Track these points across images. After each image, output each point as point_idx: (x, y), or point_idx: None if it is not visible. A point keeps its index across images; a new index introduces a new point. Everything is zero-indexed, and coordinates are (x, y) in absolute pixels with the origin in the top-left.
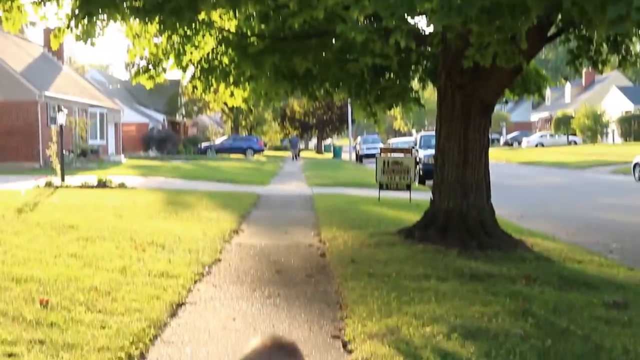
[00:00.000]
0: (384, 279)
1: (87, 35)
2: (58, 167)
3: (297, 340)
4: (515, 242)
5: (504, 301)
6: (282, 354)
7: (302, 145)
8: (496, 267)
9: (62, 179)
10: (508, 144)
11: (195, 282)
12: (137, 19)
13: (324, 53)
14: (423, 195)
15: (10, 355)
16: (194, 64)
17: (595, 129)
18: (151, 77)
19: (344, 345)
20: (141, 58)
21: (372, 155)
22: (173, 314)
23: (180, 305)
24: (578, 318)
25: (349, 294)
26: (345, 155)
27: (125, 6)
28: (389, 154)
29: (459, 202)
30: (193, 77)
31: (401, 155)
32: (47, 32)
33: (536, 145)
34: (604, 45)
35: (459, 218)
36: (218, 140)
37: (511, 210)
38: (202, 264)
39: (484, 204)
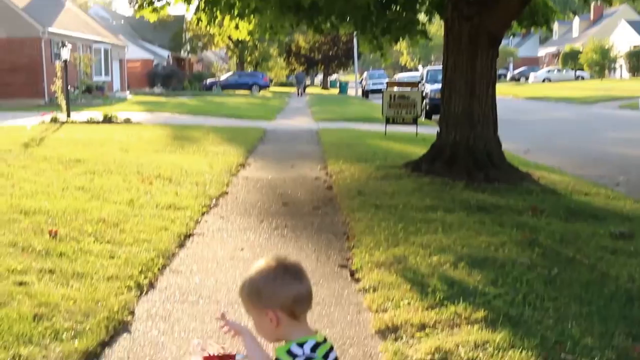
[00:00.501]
0: (391, 210)
1: None
2: (63, 103)
3: (305, 269)
4: (522, 174)
5: (511, 232)
6: (286, 274)
7: (307, 82)
8: (503, 199)
9: (68, 115)
10: (515, 79)
11: (203, 214)
12: None
13: None
14: (429, 130)
15: (20, 283)
16: None
17: (603, 64)
18: (155, 10)
19: (352, 274)
20: None
21: (379, 91)
22: (181, 245)
23: (188, 236)
24: (584, 248)
25: (355, 225)
26: (351, 91)
27: None
28: (395, 87)
29: (466, 134)
30: (197, 9)
31: (408, 89)
32: None
33: (543, 81)
34: None
35: (466, 150)
36: (223, 77)
37: (518, 145)
38: (209, 196)
39: (491, 136)
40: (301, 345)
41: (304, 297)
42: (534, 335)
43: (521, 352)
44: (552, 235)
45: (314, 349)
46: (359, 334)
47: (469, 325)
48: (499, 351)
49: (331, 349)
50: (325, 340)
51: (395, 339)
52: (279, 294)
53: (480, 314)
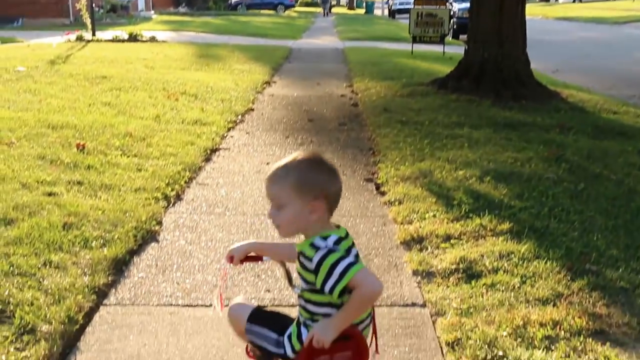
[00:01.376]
0: (417, 126)
1: None
2: (88, 22)
3: None
4: (550, 93)
5: (538, 148)
6: (331, 168)
7: (333, 1)
8: (530, 116)
9: (93, 33)
10: None
11: (229, 129)
12: None
13: None
14: (457, 49)
15: (50, 194)
16: None
17: None
18: None
19: (377, 187)
20: None
21: (406, 11)
22: (207, 159)
23: (214, 150)
24: (612, 164)
25: (381, 141)
26: (377, 11)
27: None
28: (423, 5)
29: (494, 51)
30: None
31: (435, 6)
32: None
33: (574, 1)
34: None
35: (494, 68)
36: None
37: (546, 64)
38: (235, 112)
39: (520, 54)
40: (325, 238)
41: (340, 192)
42: (559, 246)
43: (546, 262)
44: (579, 151)
45: (337, 242)
46: (384, 245)
47: (494, 237)
48: (523, 261)
49: (352, 244)
50: (347, 235)
51: (420, 250)
52: (326, 184)
53: (506, 226)
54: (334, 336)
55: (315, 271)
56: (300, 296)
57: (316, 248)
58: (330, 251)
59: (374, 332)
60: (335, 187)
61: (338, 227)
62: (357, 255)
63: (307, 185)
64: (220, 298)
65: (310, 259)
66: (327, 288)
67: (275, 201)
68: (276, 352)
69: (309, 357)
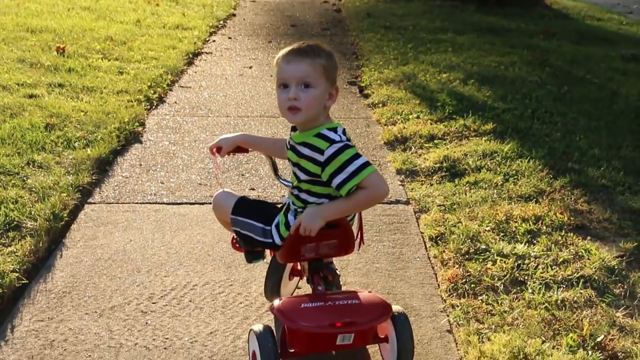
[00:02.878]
0: (401, 31)
1: None
2: None
3: None
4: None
5: (521, 52)
6: (330, 52)
7: None
8: (514, 22)
9: None
10: None
11: (210, 34)
12: None
13: None
14: None
15: (31, 96)
16: None
17: None
18: None
19: (361, 90)
20: None
21: None
22: (189, 63)
23: (196, 54)
24: (595, 68)
25: (365, 45)
26: None
27: None
28: None
29: None
30: None
31: None
32: None
33: None
34: None
35: None
36: None
37: None
38: (217, 17)
39: None
40: (333, 130)
41: None
42: (542, 146)
43: (529, 161)
44: (562, 56)
45: (344, 133)
46: (368, 145)
47: (478, 137)
48: (506, 160)
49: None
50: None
51: (404, 150)
52: (337, 76)
53: (489, 126)
54: (321, 225)
55: (325, 163)
56: (296, 187)
57: (328, 140)
58: (346, 146)
59: (360, 223)
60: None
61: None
62: None
63: (332, 70)
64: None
65: (320, 151)
66: (335, 182)
67: (303, 79)
68: (263, 241)
69: (295, 245)
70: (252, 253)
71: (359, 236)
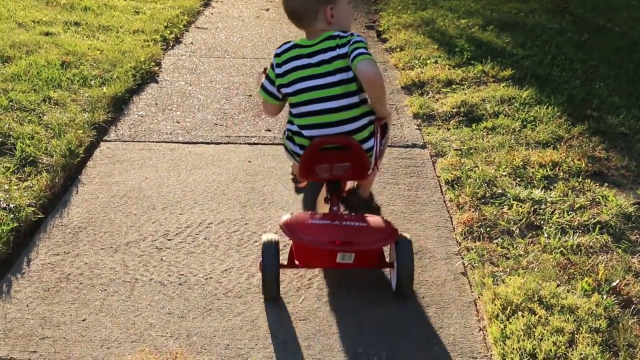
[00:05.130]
0: None
1: None
2: None
3: None
4: None
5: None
6: None
7: None
8: None
9: None
10: None
11: None
12: None
13: None
14: None
15: (47, 34)
16: None
17: None
18: None
19: (379, 34)
20: None
21: None
22: (206, 4)
23: None
24: (616, 17)
25: None
26: None
27: None
28: None
29: None
30: None
31: None
32: None
33: None
34: None
35: None
36: None
37: None
38: None
39: None
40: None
41: None
42: (561, 93)
43: (547, 107)
44: (584, 4)
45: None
46: (386, 89)
47: (496, 83)
48: (524, 106)
49: None
50: None
51: (421, 94)
52: None
53: (508, 72)
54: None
55: (349, 43)
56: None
57: (343, 34)
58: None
59: (376, 150)
60: None
61: None
62: None
63: None
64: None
65: (343, 42)
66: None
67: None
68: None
69: (309, 163)
70: (298, 189)
71: (375, 162)
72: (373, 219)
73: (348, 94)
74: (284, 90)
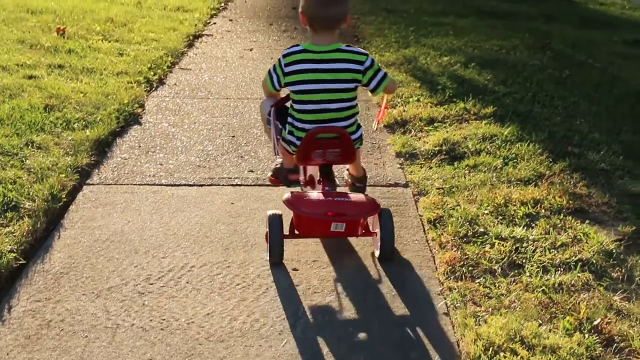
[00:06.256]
0: (402, 14)
1: None
2: None
3: None
4: None
5: (523, 36)
6: None
7: None
8: (516, 5)
9: None
10: None
11: (211, 16)
12: None
13: None
14: None
15: (30, 77)
16: None
17: None
18: None
19: None
20: None
21: None
22: (190, 45)
23: (197, 36)
24: (597, 53)
25: (366, 28)
26: None
27: None
28: None
29: None
30: None
31: None
32: None
33: None
34: None
35: None
36: None
37: None
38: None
39: None
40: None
41: None
42: (542, 130)
43: (528, 144)
44: (564, 40)
45: None
46: (368, 128)
47: (478, 120)
48: (506, 144)
49: None
50: None
51: (404, 132)
52: None
53: (489, 110)
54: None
55: (368, 68)
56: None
57: (358, 50)
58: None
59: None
60: None
61: None
62: None
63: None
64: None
65: (361, 59)
66: (372, 84)
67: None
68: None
69: (307, 150)
70: (287, 181)
71: (381, 113)
72: (358, 196)
73: (346, 99)
74: (289, 88)
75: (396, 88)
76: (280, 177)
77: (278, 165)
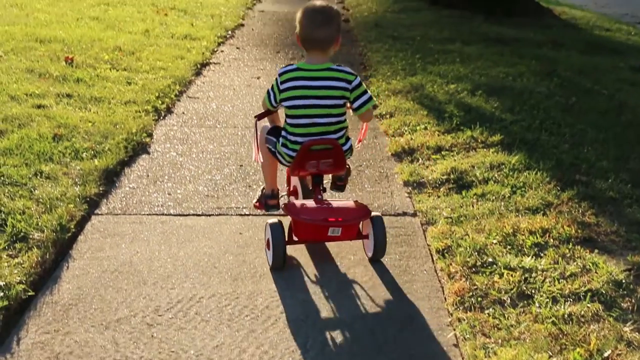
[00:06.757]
0: (409, 41)
1: None
2: None
3: None
4: (542, 9)
5: (530, 63)
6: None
7: None
8: (522, 32)
9: None
10: None
11: (219, 44)
12: None
13: None
14: None
15: (39, 106)
16: None
17: None
18: None
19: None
20: None
21: None
22: (197, 73)
23: (204, 65)
24: (603, 79)
25: (373, 55)
26: None
27: None
28: None
29: None
30: None
31: None
32: None
33: None
34: None
35: None
36: None
37: None
38: (225, 28)
39: None
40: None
41: None
42: (550, 158)
43: (536, 173)
44: (571, 67)
45: None
46: (376, 156)
47: (485, 149)
48: (514, 172)
49: None
50: None
51: (411, 161)
52: None
53: (497, 138)
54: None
55: (356, 87)
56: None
57: (348, 70)
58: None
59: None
60: None
61: None
62: None
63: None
64: (256, 150)
65: (350, 79)
66: (357, 103)
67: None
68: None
69: (302, 160)
70: (270, 206)
71: (361, 137)
72: (350, 202)
73: (335, 114)
74: (284, 104)
75: (372, 118)
76: (262, 202)
77: (260, 193)
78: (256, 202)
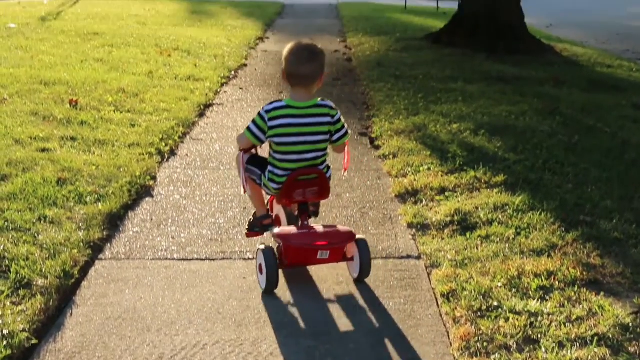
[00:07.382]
0: (411, 80)
1: None
2: None
3: None
4: (544, 47)
5: (532, 101)
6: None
7: None
8: (524, 70)
9: None
10: None
11: (222, 85)
12: None
13: None
14: (451, 4)
15: (43, 150)
16: None
17: None
18: None
19: (371, 141)
20: None
21: None
22: (201, 114)
23: (207, 106)
24: (606, 117)
25: (375, 95)
26: None
27: None
28: None
29: (488, 4)
30: None
31: None
32: None
33: None
34: None
35: (488, 21)
36: None
37: (540, 19)
38: (228, 68)
39: (514, 7)
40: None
41: None
42: (554, 198)
43: (540, 214)
44: (573, 105)
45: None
46: (379, 198)
47: (489, 189)
48: (518, 213)
49: None
50: None
51: (415, 203)
52: None
53: (500, 178)
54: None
55: (337, 121)
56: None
57: (331, 105)
58: None
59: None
60: None
61: None
62: None
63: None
64: (243, 183)
65: (332, 113)
66: (336, 136)
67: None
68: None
69: (289, 190)
70: (266, 226)
71: (346, 166)
72: (334, 227)
73: (321, 149)
74: (272, 140)
75: (344, 150)
76: (257, 225)
77: (251, 219)
78: (248, 231)
